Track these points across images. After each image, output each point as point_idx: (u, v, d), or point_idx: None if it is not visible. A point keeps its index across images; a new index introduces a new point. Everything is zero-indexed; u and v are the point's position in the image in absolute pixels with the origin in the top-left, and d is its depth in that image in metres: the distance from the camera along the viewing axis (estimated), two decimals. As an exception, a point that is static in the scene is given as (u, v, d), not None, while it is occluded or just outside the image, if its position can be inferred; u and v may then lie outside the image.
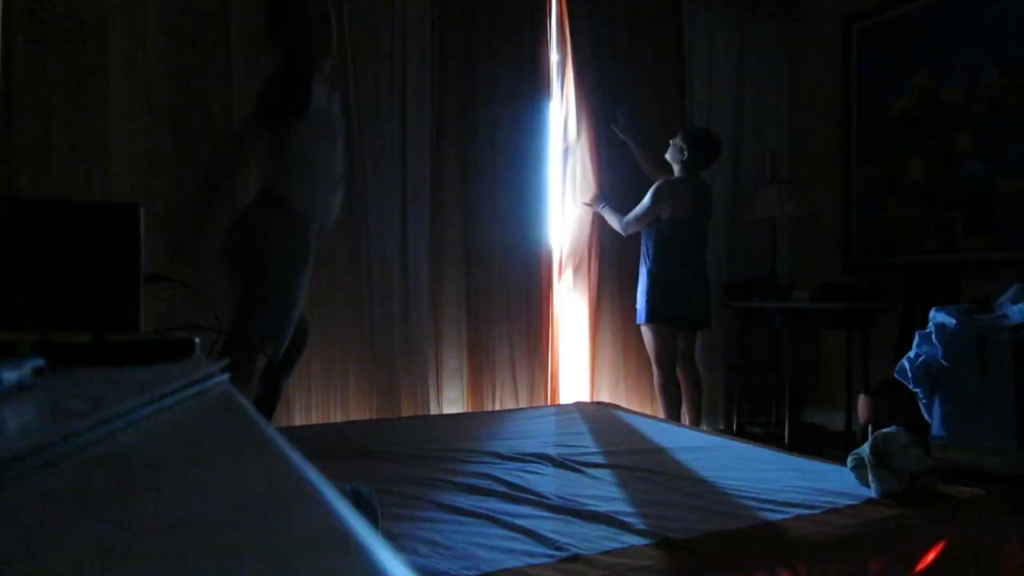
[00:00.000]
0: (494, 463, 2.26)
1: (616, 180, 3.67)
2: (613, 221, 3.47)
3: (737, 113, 4.08)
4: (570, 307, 3.73)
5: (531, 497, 1.79)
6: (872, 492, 1.76)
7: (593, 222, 3.66)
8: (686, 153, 3.29)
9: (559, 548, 1.45)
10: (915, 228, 3.68)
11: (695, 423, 3.37)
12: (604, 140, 3.65)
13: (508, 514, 1.66)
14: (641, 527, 1.55)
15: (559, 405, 3.34)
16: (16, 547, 0.21)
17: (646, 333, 3.36)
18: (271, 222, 2.21)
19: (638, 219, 3.32)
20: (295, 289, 2.23)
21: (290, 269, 2.21)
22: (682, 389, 3.39)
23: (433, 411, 3.24)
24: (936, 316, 2.76)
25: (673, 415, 3.31)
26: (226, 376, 0.58)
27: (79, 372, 0.54)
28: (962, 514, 1.72)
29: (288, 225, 2.22)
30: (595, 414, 2.90)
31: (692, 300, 3.33)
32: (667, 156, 3.38)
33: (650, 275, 3.28)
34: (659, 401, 3.38)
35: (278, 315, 2.18)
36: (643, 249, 3.38)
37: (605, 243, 3.67)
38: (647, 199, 3.28)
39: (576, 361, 3.73)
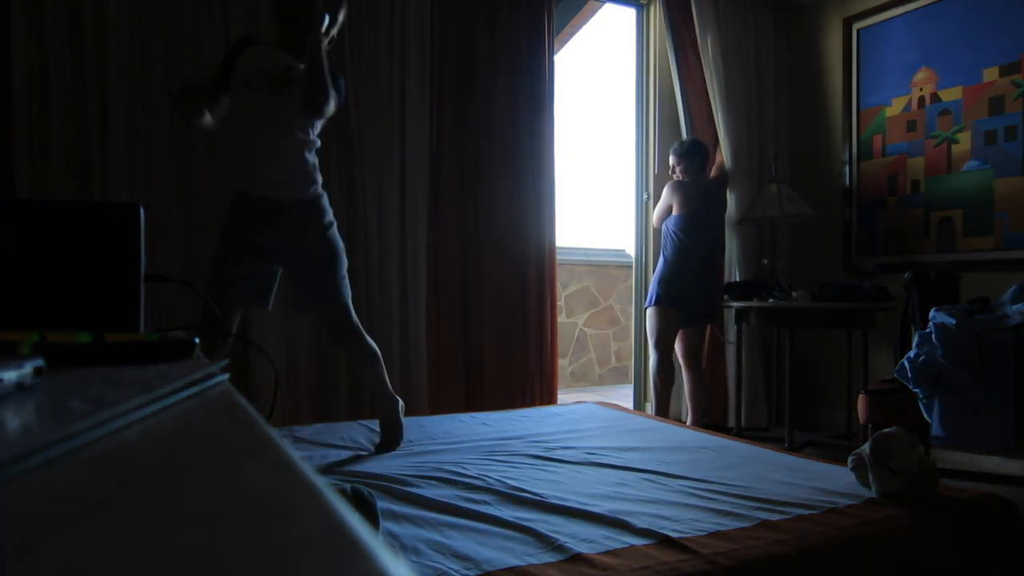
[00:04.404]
0: (494, 463, 2.26)
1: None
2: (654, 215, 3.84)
3: (738, 113, 4.08)
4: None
5: (531, 497, 1.79)
6: (872, 492, 1.76)
7: None
8: (684, 163, 3.61)
9: (559, 548, 1.45)
10: (915, 228, 3.68)
11: (697, 422, 3.37)
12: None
13: (508, 514, 1.66)
14: (641, 527, 1.55)
15: (559, 405, 3.34)
16: (16, 547, 0.21)
17: (651, 316, 3.54)
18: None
19: (659, 214, 3.67)
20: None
21: None
22: (688, 387, 3.55)
23: (431, 411, 3.24)
24: (936, 316, 2.76)
25: (665, 397, 3.48)
26: (226, 376, 0.58)
27: (79, 372, 0.54)
28: (962, 514, 1.72)
29: None
30: (595, 414, 2.90)
31: (698, 290, 3.53)
32: (677, 175, 3.66)
33: (664, 263, 3.57)
34: (652, 383, 3.48)
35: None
36: (662, 242, 3.66)
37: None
38: (663, 197, 3.63)
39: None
